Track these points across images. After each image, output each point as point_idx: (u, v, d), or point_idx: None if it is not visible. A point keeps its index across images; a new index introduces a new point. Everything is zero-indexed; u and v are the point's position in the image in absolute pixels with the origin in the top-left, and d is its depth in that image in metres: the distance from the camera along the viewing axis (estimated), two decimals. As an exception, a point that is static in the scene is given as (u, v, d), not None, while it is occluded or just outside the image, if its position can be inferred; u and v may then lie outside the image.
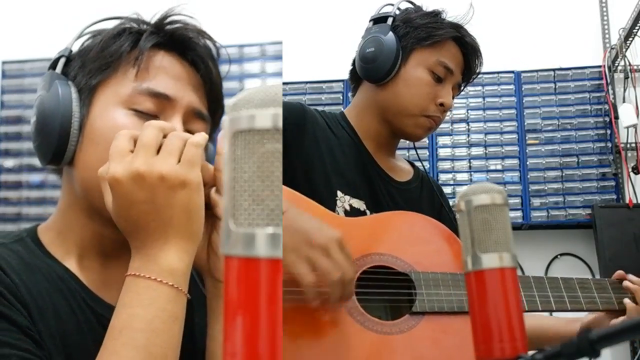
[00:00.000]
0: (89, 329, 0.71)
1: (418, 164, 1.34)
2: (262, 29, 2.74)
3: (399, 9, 1.22)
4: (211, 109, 0.82)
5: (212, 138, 0.87)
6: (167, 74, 0.76)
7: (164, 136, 0.67)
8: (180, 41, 0.79)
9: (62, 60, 0.78)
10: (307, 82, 2.67)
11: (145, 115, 0.73)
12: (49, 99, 0.74)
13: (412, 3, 1.25)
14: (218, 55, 0.84)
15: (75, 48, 0.80)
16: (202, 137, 0.68)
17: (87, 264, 0.76)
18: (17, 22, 2.98)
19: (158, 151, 0.65)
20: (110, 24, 0.80)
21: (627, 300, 1.07)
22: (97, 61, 0.75)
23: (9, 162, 2.90)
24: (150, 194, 0.64)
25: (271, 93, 0.36)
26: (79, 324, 0.71)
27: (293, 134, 1.10)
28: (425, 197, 1.26)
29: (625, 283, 1.09)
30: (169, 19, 0.79)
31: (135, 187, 0.63)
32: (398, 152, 1.29)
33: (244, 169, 0.35)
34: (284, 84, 2.65)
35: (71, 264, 0.75)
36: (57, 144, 0.73)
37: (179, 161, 0.65)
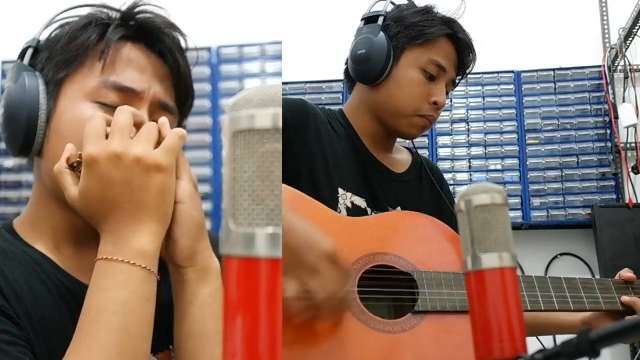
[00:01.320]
0: (66, 310, 0.71)
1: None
2: (262, 29, 2.74)
3: (392, 3, 1.21)
4: (180, 100, 0.82)
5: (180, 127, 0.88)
6: (133, 67, 0.77)
7: (135, 124, 0.69)
8: (148, 33, 0.79)
9: (30, 51, 0.78)
10: (307, 82, 2.67)
11: (112, 109, 0.73)
12: (16, 91, 0.74)
13: None
14: (186, 49, 0.83)
15: (45, 37, 0.80)
16: (185, 132, 0.71)
17: (63, 250, 0.77)
18: (17, 22, 2.98)
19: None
20: (79, 13, 0.79)
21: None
22: (64, 54, 0.75)
23: (9, 162, 2.90)
24: (126, 175, 0.65)
25: (271, 93, 0.36)
26: (57, 305, 0.71)
27: (296, 130, 1.09)
28: (426, 185, 1.25)
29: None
30: (137, 9, 0.79)
31: (112, 167, 0.65)
32: (398, 142, 1.28)
33: (244, 169, 0.35)
34: (284, 84, 2.65)
35: (47, 251, 0.75)
36: (24, 136, 0.73)
37: (156, 148, 0.67)
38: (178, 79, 0.81)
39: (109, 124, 0.68)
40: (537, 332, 1.19)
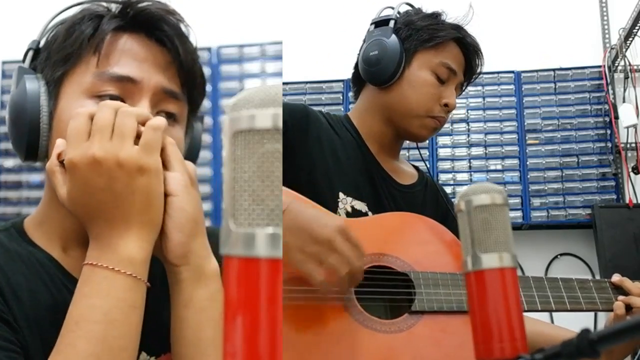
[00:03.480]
0: (65, 311, 0.70)
1: (421, 164, 1.34)
2: (262, 29, 2.74)
3: (398, 12, 1.23)
4: (186, 87, 0.79)
5: (193, 117, 0.85)
6: (130, 57, 0.74)
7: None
8: (145, 21, 0.76)
9: (30, 54, 0.77)
10: (307, 82, 2.67)
11: (111, 101, 0.70)
12: (18, 95, 0.73)
13: (411, 6, 1.25)
14: (188, 34, 0.79)
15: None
16: (160, 120, 0.67)
17: (71, 253, 0.75)
18: (17, 22, 2.98)
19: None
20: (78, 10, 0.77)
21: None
22: (60, 52, 0.74)
23: (9, 162, 2.90)
24: (108, 180, 0.62)
25: (271, 93, 0.36)
26: (57, 308, 0.69)
27: (296, 135, 1.10)
28: (429, 201, 1.26)
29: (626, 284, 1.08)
30: (133, 0, 0.76)
31: (93, 173, 0.62)
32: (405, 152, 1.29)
33: (244, 169, 0.35)
34: (284, 84, 2.65)
35: (55, 253, 0.74)
36: (28, 139, 0.72)
37: (136, 141, 0.64)
38: (181, 65, 0.77)
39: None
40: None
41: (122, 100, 0.72)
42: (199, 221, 0.68)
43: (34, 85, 0.73)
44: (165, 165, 0.67)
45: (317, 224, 0.83)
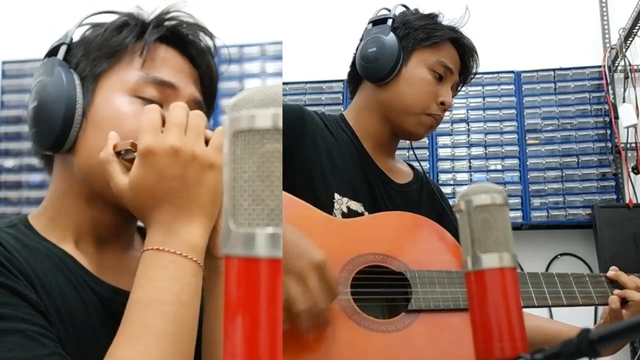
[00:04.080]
0: (93, 309, 0.71)
1: (417, 164, 1.34)
2: (262, 29, 2.74)
3: (404, 5, 1.25)
4: (205, 104, 0.84)
5: None
6: (170, 66, 0.78)
7: None
8: (182, 36, 0.81)
9: (64, 48, 0.78)
10: (307, 82, 2.67)
11: (150, 103, 0.73)
12: (52, 84, 0.74)
13: (407, 7, 1.26)
14: (216, 52, 0.86)
15: (75, 38, 0.81)
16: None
17: (83, 248, 0.76)
18: (17, 22, 2.98)
19: None
20: (109, 17, 0.81)
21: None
22: (101, 50, 0.76)
23: (9, 162, 2.90)
24: (182, 170, 0.65)
25: (271, 93, 0.36)
26: (84, 304, 0.70)
27: (292, 136, 1.10)
28: (425, 199, 1.26)
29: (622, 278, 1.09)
30: (168, 15, 0.81)
31: (169, 161, 0.65)
32: (397, 153, 1.30)
33: (244, 169, 0.35)
34: (284, 84, 2.65)
35: (67, 248, 0.74)
36: (60, 130, 0.73)
37: (206, 142, 0.68)
38: (209, 82, 0.84)
39: (163, 120, 0.68)
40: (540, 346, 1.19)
41: (160, 105, 0.74)
42: None
43: (70, 77, 0.75)
44: None
45: (296, 253, 0.81)
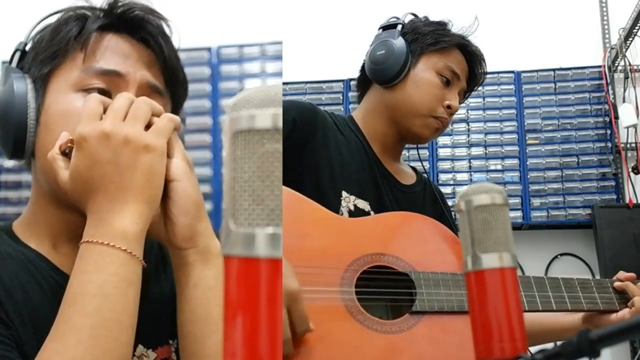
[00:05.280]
0: (58, 307, 0.70)
1: (420, 165, 1.36)
2: (262, 29, 2.74)
3: (412, 14, 1.27)
4: (170, 85, 0.82)
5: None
6: (115, 53, 0.77)
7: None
8: (129, 21, 0.79)
9: (17, 54, 0.79)
10: (307, 82, 2.67)
11: (98, 93, 0.73)
12: (5, 93, 0.75)
13: (416, 16, 1.28)
14: (170, 34, 0.82)
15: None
16: (177, 116, 0.70)
17: (60, 249, 0.76)
18: (17, 22, 2.98)
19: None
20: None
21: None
22: (47, 50, 0.76)
23: (9, 162, 2.90)
24: (114, 154, 0.64)
25: (271, 93, 0.36)
26: (50, 304, 0.70)
27: (304, 133, 1.11)
28: (429, 201, 1.28)
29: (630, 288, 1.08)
30: (119, 2, 0.79)
31: (101, 146, 0.64)
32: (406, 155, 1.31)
33: (244, 169, 0.35)
34: (284, 84, 2.65)
35: (45, 251, 0.75)
36: (14, 137, 0.73)
37: (147, 128, 0.67)
38: (164, 63, 0.80)
39: (105, 108, 0.68)
40: (539, 340, 1.19)
41: (109, 94, 0.74)
42: (201, 204, 0.70)
43: (21, 83, 0.75)
44: (167, 153, 0.69)
45: None
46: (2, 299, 0.67)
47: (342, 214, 1.09)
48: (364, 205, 1.13)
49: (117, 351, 0.60)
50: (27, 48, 0.80)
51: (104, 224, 0.64)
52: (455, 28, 1.23)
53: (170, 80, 0.82)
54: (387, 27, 1.25)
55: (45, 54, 0.76)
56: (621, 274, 1.11)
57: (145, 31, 0.79)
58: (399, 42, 1.19)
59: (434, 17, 1.26)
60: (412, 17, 1.28)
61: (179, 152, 0.70)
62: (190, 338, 0.69)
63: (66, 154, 0.69)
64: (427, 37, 1.20)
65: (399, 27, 1.22)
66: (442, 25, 1.23)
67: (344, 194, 1.11)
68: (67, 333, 0.59)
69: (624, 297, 1.09)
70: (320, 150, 1.12)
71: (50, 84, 0.76)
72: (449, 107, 1.18)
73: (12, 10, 3.02)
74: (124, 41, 0.78)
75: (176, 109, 0.85)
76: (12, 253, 0.73)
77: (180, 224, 0.68)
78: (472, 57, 1.23)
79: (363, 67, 1.27)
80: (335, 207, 1.07)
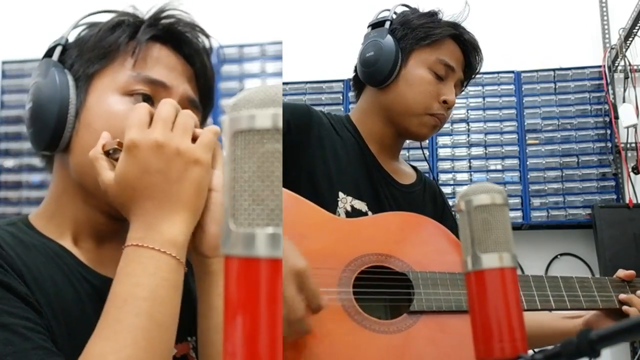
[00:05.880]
0: (88, 301, 0.71)
1: (422, 164, 1.35)
2: (262, 29, 2.74)
3: (395, 13, 1.23)
4: (202, 103, 0.84)
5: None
6: (163, 65, 0.78)
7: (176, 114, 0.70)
8: (176, 35, 0.81)
9: (59, 49, 0.79)
10: (307, 82, 2.67)
11: (141, 100, 0.74)
12: (46, 85, 0.75)
13: (408, 6, 1.25)
14: (212, 51, 0.85)
15: (70, 39, 0.81)
16: (217, 128, 0.71)
17: (83, 244, 0.77)
18: (17, 22, 2.98)
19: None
20: (105, 17, 0.81)
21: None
22: (95, 50, 0.77)
23: (9, 162, 2.90)
24: (165, 164, 0.65)
25: (271, 93, 0.36)
26: (78, 296, 0.71)
27: (298, 135, 1.10)
28: (428, 201, 1.26)
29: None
30: (164, 14, 0.81)
31: (153, 155, 0.65)
32: (404, 153, 1.30)
33: (244, 169, 0.35)
34: (284, 84, 2.65)
35: (66, 244, 0.76)
36: (53, 130, 0.74)
37: (194, 140, 0.68)
38: (204, 81, 0.83)
39: (151, 117, 0.68)
40: (540, 343, 1.19)
41: (151, 101, 0.75)
42: None
43: (64, 77, 0.76)
44: (212, 164, 0.71)
45: None
46: (34, 289, 0.67)
47: (339, 215, 1.08)
48: (361, 205, 1.12)
49: (164, 353, 0.63)
50: (68, 44, 0.80)
51: (153, 229, 0.65)
52: (446, 16, 1.20)
53: (204, 97, 0.84)
54: (376, 24, 1.22)
55: (93, 54, 0.77)
56: (620, 272, 1.11)
57: (191, 48, 0.81)
58: (388, 42, 1.16)
59: (428, 7, 1.22)
60: (404, 8, 1.24)
61: (220, 164, 0.72)
62: (212, 347, 0.70)
63: (109, 154, 0.70)
64: (417, 31, 1.16)
65: (387, 24, 1.19)
66: (432, 17, 1.19)
67: (341, 195, 1.10)
68: (120, 332, 0.60)
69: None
70: (316, 152, 1.11)
71: (95, 83, 0.76)
72: (445, 102, 1.15)
73: (12, 11, 3.01)
74: (171, 54, 0.80)
75: (204, 119, 0.87)
76: (37, 244, 0.73)
77: (211, 233, 0.69)
78: (467, 46, 1.19)
79: (356, 67, 1.25)
80: (332, 208, 1.07)
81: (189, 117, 0.69)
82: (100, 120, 0.74)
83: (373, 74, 1.17)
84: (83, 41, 0.79)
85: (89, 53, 0.77)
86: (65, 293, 0.70)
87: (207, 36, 0.84)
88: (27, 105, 0.77)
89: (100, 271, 0.75)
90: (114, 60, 0.77)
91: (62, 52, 0.80)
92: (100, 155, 0.69)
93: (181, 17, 0.82)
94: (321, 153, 1.12)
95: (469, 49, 1.19)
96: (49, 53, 0.80)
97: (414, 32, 1.16)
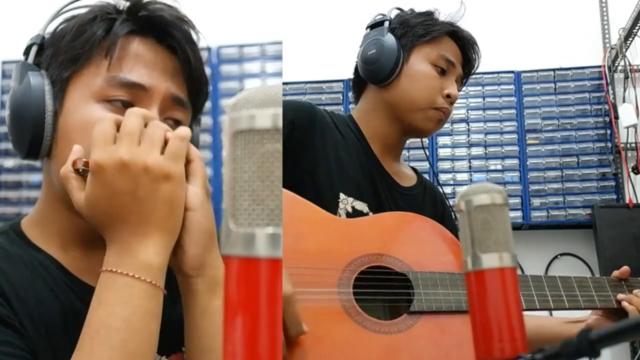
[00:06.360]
0: (73, 313, 0.70)
1: (424, 164, 1.35)
2: (262, 29, 2.74)
3: (398, 9, 1.25)
4: (192, 95, 0.79)
5: (195, 123, 0.85)
6: (141, 63, 0.73)
7: (145, 124, 0.65)
8: (157, 26, 0.75)
9: (34, 49, 0.75)
10: (307, 82, 2.67)
11: (122, 107, 0.70)
12: (20, 92, 0.72)
13: (401, 9, 1.27)
14: (198, 41, 0.79)
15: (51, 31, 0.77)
16: (186, 130, 0.67)
17: (70, 252, 0.75)
18: (17, 22, 2.98)
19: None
20: (85, 4, 0.76)
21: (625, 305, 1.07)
22: (68, 52, 0.72)
23: (9, 162, 2.90)
24: (133, 184, 0.62)
25: (271, 93, 0.36)
26: (63, 309, 0.69)
27: (302, 134, 1.10)
28: (428, 203, 1.26)
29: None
30: (144, 2, 0.75)
31: (119, 176, 0.62)
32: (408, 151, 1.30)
33: (244, 169, 0.35)
34: (284, 84, 2.65)
35: (54, 253, 0.74)
36: (30, 138, 0.70)
37: (162, 152, 0.64)
38: (190, 73, 0.77)
39: (118, 126, 0.65)
40: (532, 345, 1.19)
41: (132, 105, 0.71)
42: (213, 235, 0.68)
43: (39, 82, 0.72)
44: (186, 178, 0.67)
45: None
46: (15, 305, 0.65)
47: (340, 216, 1.08)
48: (362, 207, 1.12)
49: None
50: (45, 42, 0.76)
51: (127, 254, 0.62)
52: (442, 16, 1.22)
53: (193, 90, 0.79)
54: (375, 25, 1.23)
55: (67, 56, 0.72)
56: (615, 272, 1.11)
57: (173, 38, 0.75)
58: (389, 39, 1.17)
59: (423, 9, 1.24)
60: (398, 11, 1.26)
61: (199, 178, 0.68)
62: None
63: (80, 172, 0.66)
64: (416, 28, 1.18)
65: (387, 23, 1.20)
66: (429, 15, 1.21)
67: (342, 195, 1.11)
68: None
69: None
70: (319, 152, 1.11)
71: (70, 88, 0.72)
72: (448, 96, 1.16)
73: (12, 10, 3.01)
74: (150, 48, 0.74)
75: (195, 116, 0.83)
76: (24, 256, 0.71)
77: (191, 254, 0.67)
78: (464, 43, 1.21)
79: (357, 69, 1.25)
80: (333, 209, 1.07)
81: (157, 127, 0.65)
82: (77, 130, 0.70)
83: (376, 71, 1.17)
84: (58, 39, 0.74)
85: (63, 55, 0.72)
86: (48, 306, 0.69)
87: (192, 26, 0.78)
88: (5, 112, 0.74)
89: (88, 279, 0.73)
90: (89, 62, 0.72)
91: (38, 51, 0.75)
92: (70, 174, 0.66)
93: (163, 6, 0.76)
94: (324, 153, 1.12)
95: (466, 45, 1.21)
96: (26, 52, 0.75)
97: (414, 29, 1.18)
